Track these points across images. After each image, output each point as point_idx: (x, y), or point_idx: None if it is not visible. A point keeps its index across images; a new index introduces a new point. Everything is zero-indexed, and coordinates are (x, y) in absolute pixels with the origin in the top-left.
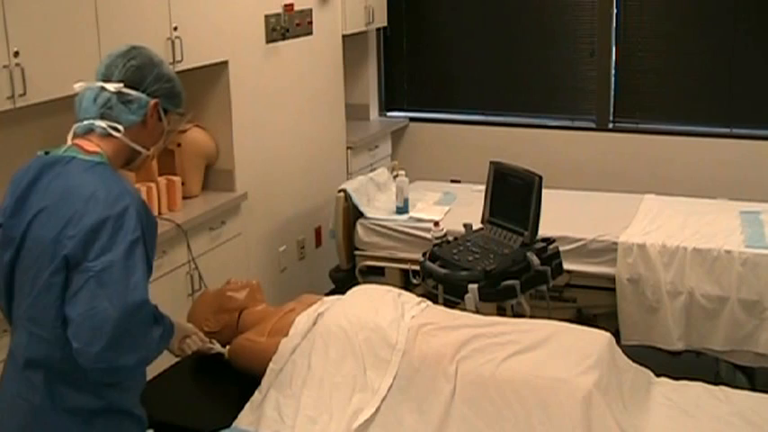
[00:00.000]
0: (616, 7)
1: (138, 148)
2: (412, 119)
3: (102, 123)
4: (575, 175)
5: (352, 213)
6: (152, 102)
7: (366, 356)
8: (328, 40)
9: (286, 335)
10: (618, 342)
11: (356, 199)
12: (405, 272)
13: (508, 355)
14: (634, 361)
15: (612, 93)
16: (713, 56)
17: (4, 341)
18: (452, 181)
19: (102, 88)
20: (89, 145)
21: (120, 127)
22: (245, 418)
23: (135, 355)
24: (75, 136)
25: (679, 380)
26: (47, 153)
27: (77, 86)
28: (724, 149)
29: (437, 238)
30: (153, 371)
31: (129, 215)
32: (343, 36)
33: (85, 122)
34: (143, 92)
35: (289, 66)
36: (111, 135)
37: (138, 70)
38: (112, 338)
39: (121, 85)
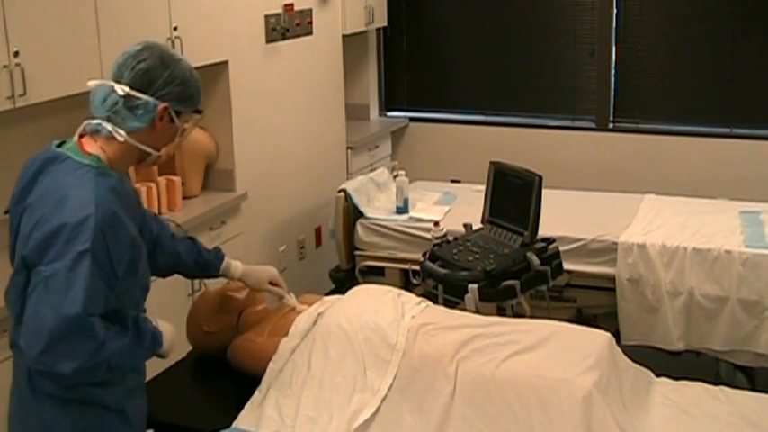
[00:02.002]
0: (616, 7)
1: (147, 149)
2: (412, 119)
3: (108, 126)
4: (575, 175)
5: (352, 213)
6: (160, 106)
7: (366, 356)
8: (328, 40)
9: (286, 335)
10: (618, 342)
11: (356, 199)
12: (405, 272)
13: (508, 355)
14: (634, 361)
15: (612, 93)
16: (713, 56)
17: (5, 341)
18: (452, 181)
19: (113, 89)
20: (90, 145)
21: (123, 132)
22: (245, 418)
23: (71, 364)
24: (84, 133)
25: (679, 380)
26: (59, 145)
27: (90, 83)
28: (724, 149)
29: (437, 238)
30: (153, 371)
31: (86, 225)
32: (343, 36)
33: (94, 122)
34: (152, 95)
35: (289, 66)
36: (115, 138)
37: (147, 74)
38: (49, 344)
39: (129, 88)
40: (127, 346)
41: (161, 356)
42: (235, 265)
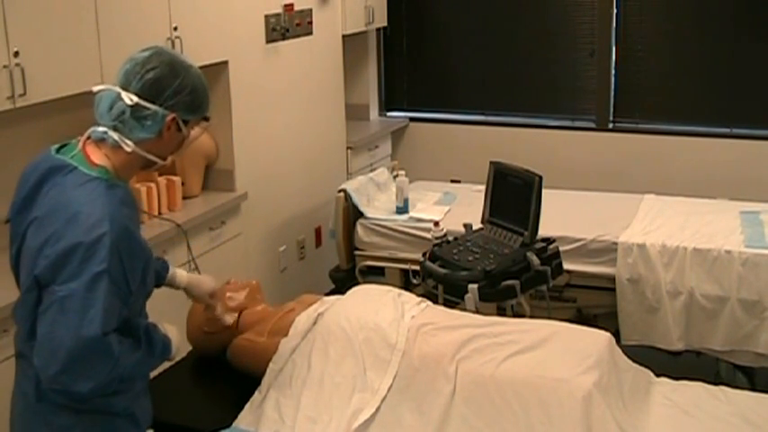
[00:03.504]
0: (616, 7)
1: (153, 158)
2: (412, 119)
3: (114, 135)
4: (575, 175)
5: (352, 213)
6: (169, 117)
7: (366, 356)
8: (328, 40)
9: (286, 335)
10: (618, 342)
11: (356, 199)
12: (405, 272)
13: (508, 355)
14: (634, 361)
15: (612, 93)
16: (713, 56)
17: (5, 341)
18: (452, 181)
19: (120, 96)
20: (96, 155)
21: (131, 143)
22: (245, 418)
23: (89, 383)
24: (89, 139)
25: (679, 380)
26: (59, 149)
27: (95, 88)
28: (724, 149)
29: (437, 238)
30: (153, 371)
31: (102, 244)
32: (343, 36)
33: (99, 130)
34: (160, 105)
35: (289, 66)
36: (122, 147)
37: (156, 83)
38: (66, 364)
39: (137, 98)
40: (139, 358)
41: (168, 360)
42: (180, 274)
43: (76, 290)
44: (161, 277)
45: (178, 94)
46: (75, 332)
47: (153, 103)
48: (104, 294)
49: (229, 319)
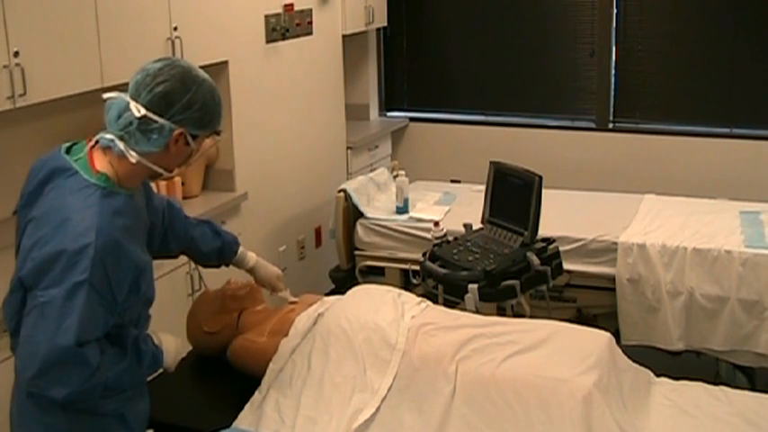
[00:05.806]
0: (616, 7)
1: (159, 170)
2: (412, 119)
3: (120, 145)
4: (575, 175)
5: (352, 213)
6: (176, 132)
7: (366, 356)
8: (328, 40)
9: (286, 335)
10: (618, 342)
11: (356, 199)
12: (405, 272)
13: (508, 355)
14: (634, 361)
15: (612, 93)
16: (713, 56)
17: (5, 341)
18: (452, 181)
19: (128, 106)
20: (100, 161)
21: (135, 154)
22: (245, 419)
23: (63, 390)
24: (97, 143)
25: (679, 380)
26: (69, 149)
27: (106, 96)
28: (724, 149)
29: (437, 238)
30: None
31: (85, 254)
32: (343, 36)
33: (107, 137)
34: (168, 119)
35: (289, 66)
36: (127, 157)
37: (165, 97)
38: (41, 370)
39: (145, 110)
40: (124, 369)
41: (165, 371)
42: (250, 256)
43: (56, 297)
44: (228, 255)
45: (187, 109)
46: (51, 339)
47: (161, 116)
48: (83, 304)
49: (292, 297)
